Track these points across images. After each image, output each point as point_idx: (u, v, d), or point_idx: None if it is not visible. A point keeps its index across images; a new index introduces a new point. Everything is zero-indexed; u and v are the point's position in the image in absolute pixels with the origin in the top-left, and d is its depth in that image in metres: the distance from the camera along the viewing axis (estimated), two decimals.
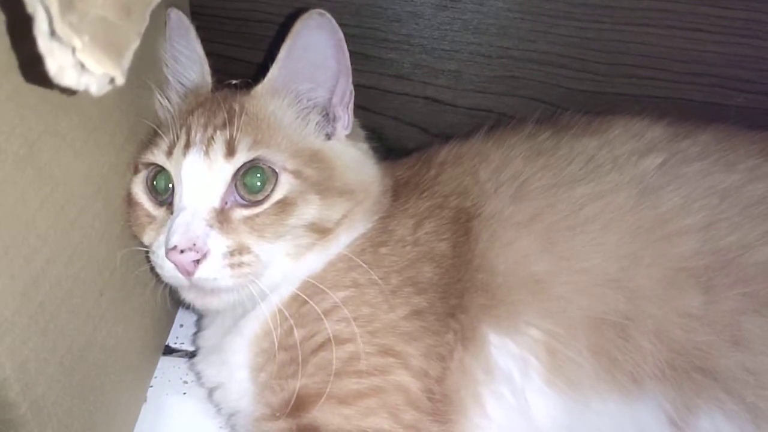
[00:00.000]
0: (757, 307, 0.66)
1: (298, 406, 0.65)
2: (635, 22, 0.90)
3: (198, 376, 0.78)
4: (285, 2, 0.92)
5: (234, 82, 0.78)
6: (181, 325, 0.92)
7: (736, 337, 0.66)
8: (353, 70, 0.94)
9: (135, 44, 0.44)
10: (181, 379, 0.85)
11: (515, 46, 0.93)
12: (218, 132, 0.68)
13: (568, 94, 0.95)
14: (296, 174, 0.69)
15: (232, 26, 0.95)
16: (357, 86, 0.94)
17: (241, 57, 0.96)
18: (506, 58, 0.94)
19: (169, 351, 0.89)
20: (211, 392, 0.77)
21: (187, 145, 0.68)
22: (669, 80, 0.93)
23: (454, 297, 0.70)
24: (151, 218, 0.71)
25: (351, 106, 0.75)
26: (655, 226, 0.69)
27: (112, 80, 0.42)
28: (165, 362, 0.87)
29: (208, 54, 0.93)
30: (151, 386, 0.84)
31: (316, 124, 0.74)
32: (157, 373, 0.86)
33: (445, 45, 0.93)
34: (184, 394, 0.83)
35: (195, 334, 0.85)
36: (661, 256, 0.68)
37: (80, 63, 0.40)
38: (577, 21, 0.90)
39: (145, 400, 0.82)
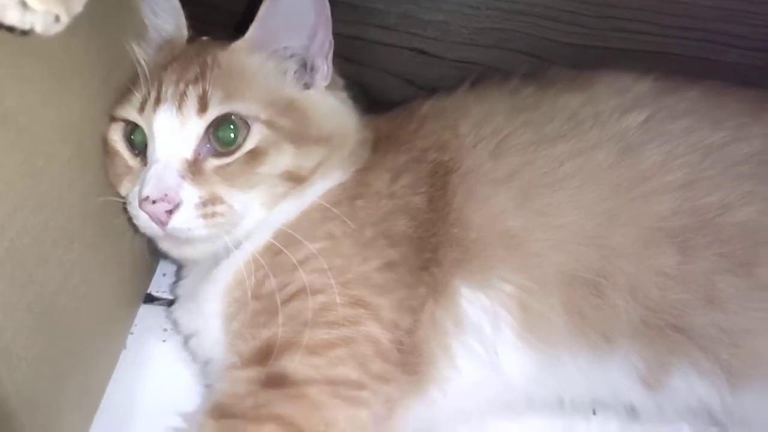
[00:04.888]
0: (732, 267, 0.66)
1: (267, 354, 0.65)
2: None
3: (175, 324, 0.79)
4: None
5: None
6: (164, 274, 0.92)
7: (710, 296, 0.66)
8: (339, 20, 0.92)
9: None
10: (161, 327, 0.85)
11: None
12: (190, 87, 0.68)
13: (557, 48, 0.93)
14: (269, 124, 0.69)
15: None
16: (342, 36, 0.92)
17: (221, 4, 0.94)
18: (494, 9, 0.92)
19: (150, 299, 0.89)
20: (186, 340, 0.77)
21: (158, 101, 0.68)
22: (659, 34, 0.91)
23: (428, 251, 0.70)
24: (129, 169, 0.71)
25: (330, 56, 0.75)
26: (633, 184, 0.69)
27: (57, 18, 0.41)
28: (146, 310, 0.88)
29: (189, 1, 0.92)
30: (132, 333, 0.84)
31: (294, 73, 0.74)
32: (137, 321, 0.86)
33: None
34: (164, 341, 0.84)
35: (174, 283, 0.86)
36: (638, 214, 0.68)
37: (23, 0, 0.39)
38: None
39: (125, 347, 0.83)
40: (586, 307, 0.67)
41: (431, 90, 0.85)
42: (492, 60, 0.95)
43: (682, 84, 0.77)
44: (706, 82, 0.78)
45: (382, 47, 0.96)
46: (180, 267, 0.84)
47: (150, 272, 0.91)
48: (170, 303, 0.86)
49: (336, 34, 0.92)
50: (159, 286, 0.91)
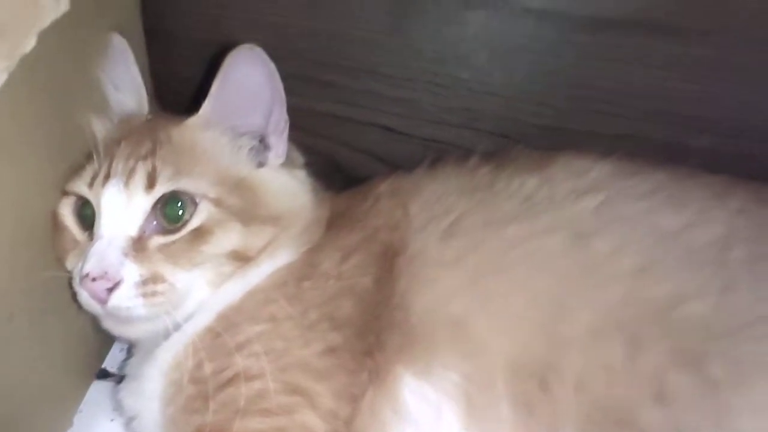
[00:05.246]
0: (684, 363, 0.62)
1: None
2: (593, 57, 0.86)
3: (119, 404, 0.77)
4: (242, 25, 0.91)
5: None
6: (121, 350, 0.90)
7: (660, 392, 0.62)
8: (308, 96, 0.93)
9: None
10: (111, 405, 0.83)
11: (472, 77, 0.90)
12: (140, 163, 0.68)
13: (527, 129, 0.92)
14: (216, 202, 0.68)
15: (190, 48, 0.94)
16: (312, 112, 0.93)
17: (197, 78, 0.95)
18: (462, 89, 0.91)
19: (104, 375, 0.87)
20: (129, 421, 0.75)
21: (107, 176, 0.68)
22: (631, 118, 0.90)
23: (372, 335, 0.68)
24: (76, 243, 0.70)
25: (285, 134, 0.75)
26: (584, 270, 0.66)
27: None
28: (98, 387, 0.86)
29: (164, 75, 0.94)
30: (80, 411, 0.83)
31: (249, 150, 0.73)
32: (88, 397, 0.84)
33: (399, 73, 0.91)
34: (112, 420, 0.82)
35: (123, 360, 0.84)
36: (587, 303, 0.65)
37: None
38: (536, 54, 0.87)
39: (71, 425, 0.81)
40: (533, 400, 0.64)
41: (400, 167, 0.84)
42: (461, 139, 0.94)
43: (647, 166, 0.75)
44: (674, 166, 0.76)
45: (349, 123, 0.96)
46: (132, 344, 0.83)
47: (105, 348, 0.89)
48: (122, 380, 0.84)
49: (305, 110, 0.93)
50: (115, 362, 0.89)
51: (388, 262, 0.71)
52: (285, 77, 0.72)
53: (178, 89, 0.94)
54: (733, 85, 0.86)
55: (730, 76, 0.86)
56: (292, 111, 0.77)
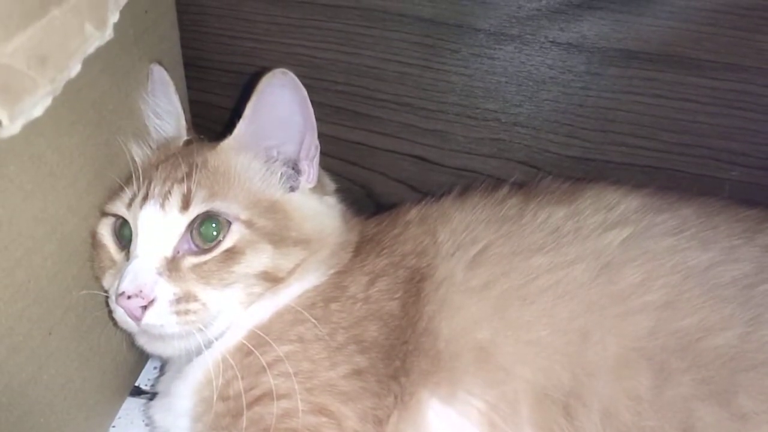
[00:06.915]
0: (711, 395, 0.62)
1: None
2: (622, 90, 0.88)
3: (150, 420, 0.79)
4: (278, 57, 0.94)
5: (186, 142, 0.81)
6: (155, 368, 0.92)
7: (687, 424, 0.62)
8: (342, 125, 0.96)
9: (43, 90, 0.46)
10: (143, 421, 0.85)
11: (501, 109, 0.92)
12: (176, 186, 0.71)
13: (556, 159, 0.94)
14: (248, 224, 0.70)
15: (227, 78, 0.98)
16: (344, 141, 0.95)
17: (235, 108, 0.98)
18: (492, 120, 0.93)
19: (137, 392, 0.89)
20: None
21: (145, 198, 0.71)
22: (660, 150, 0.91)
23: (398, 359, 0.69)
24: (113, 263, 0.73)
25: (316, 160, 0.77)
26: (610, 302, 0.67)
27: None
28: (131, 403, 0.88)
29: (202, 104, 0.97)
30: (114, 426, 0.85)
31: (281, 175, 0.75)
32: (121, 413, 0.87)
33: (431, 105, 0.93)
34: None
35: (157, 378, 0.86)
36: (613, 333, 0.66)
37: None
38: (563, 87, 0.89)
39: None
40: (557, 427, 0.65)
41: (433, 195, 0.85)
42: (491, 169, 0.96)
43: (676, 201, 0.75)
44: (703, 199, 0.77)
45: (384, 153, 0.98)
46: (165, 362, 0.85)
47: (139, 365, 0.92)
48: (154, 397, 0.86)
49: (340, 139, 0.95)
50: (149, 379, 0.91)
51: (415, 288, 0.72)
52: (319, 107, 0.74)
53: (215, 116, 0.98)
54: (763, 117, 0.87)
55: (758, 110, 0.86)
56: (327, 139, 0.79)
